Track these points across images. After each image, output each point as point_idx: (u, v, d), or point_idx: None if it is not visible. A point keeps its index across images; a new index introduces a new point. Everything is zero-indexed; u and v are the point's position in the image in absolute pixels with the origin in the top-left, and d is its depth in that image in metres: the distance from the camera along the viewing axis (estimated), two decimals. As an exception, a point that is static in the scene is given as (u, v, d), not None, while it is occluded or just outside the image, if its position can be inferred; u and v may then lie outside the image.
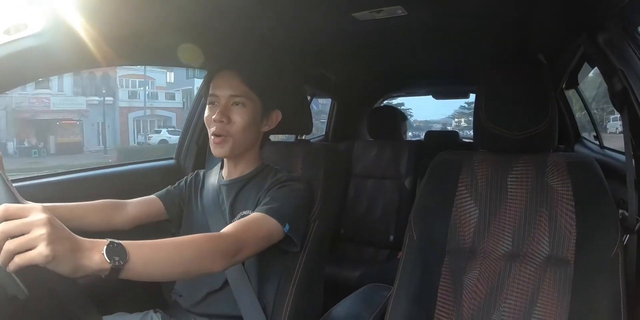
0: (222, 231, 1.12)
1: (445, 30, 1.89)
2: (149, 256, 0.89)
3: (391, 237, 2.78)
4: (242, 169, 1.40)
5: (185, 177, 1.53)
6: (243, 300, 1.30)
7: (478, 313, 1.24)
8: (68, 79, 19.63)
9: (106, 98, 20.81)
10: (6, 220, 0.71)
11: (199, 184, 1.48)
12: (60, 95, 19.84)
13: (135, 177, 1.91)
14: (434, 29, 1.85)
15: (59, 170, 1.88)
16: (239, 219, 1.33)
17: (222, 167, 1.46)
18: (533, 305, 1.19)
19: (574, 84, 2.66)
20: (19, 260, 0.70)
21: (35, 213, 0.72)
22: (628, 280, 1.13)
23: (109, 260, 0.78)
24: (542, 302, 1.19)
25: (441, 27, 1.83)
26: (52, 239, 0.71)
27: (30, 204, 0.74)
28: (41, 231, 0.70)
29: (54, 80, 19.21)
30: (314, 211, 1.41)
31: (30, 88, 18.33)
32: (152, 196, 1.46)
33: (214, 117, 1.29)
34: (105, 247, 0.79)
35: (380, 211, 2.87)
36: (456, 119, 30.84)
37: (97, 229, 1.33)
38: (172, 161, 2.14)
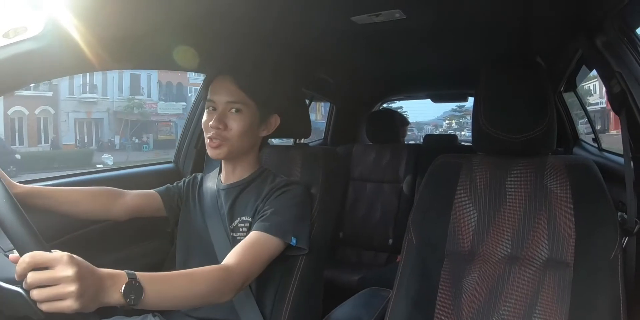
0: (229, 262, 1.12)
1: (443, 34, 1.90)
2: (162, 291, 0.93)
3: (390, 241, 2.77)
4: (241, 173, 1.40)
5: (183, 179, 1.52)
6: (242, 304, 1.29)
7: (478, 316, 1.24)
8: (155, 87, 23.59)
9: (181, 103, 23.91)
10: (34, 268, 0.75)
11: (196, 187, 1.48)
12: (162, 101, 24.11)
13: (134, 180, 1.91)
14: (432, 32, 1.85)
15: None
16: (237, 224, 1.34)
17: (220, 171, 1.45)
18: (533, 308, 1.19)
19: (572, 86, 2.67)
20: (47, 307, 0.74)
21: (63, 267, 0.75)
22: (627, 283, 1.12)
23: (125, 299, 0.83)
24: (541, 305, 1.18)
25: (439, 31, 1.84)
26: (81, 293, 0.75)
27: (58, 254, 0.76)
28: (71, 288, 0.74)
29: (145, 88, 23.06)
30: (313, 214, 1.40)
31: (126, 94, 22.40)
32: (152, 191, 1.45)
33: (210, 123, 1.29)
34: (123, 286, 0.83)
35: (379, 215, 2.86)
36: (447, 121, 32.23)
37: (93, 217, 1.35)
38: (170, 165, 2.14)
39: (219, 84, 1.32)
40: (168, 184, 1.49)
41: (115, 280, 0.83)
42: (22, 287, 0.79)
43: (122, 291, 0.82)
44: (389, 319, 1.26)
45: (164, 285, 0.94)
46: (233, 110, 1.30)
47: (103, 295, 0.80)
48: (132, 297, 0.84)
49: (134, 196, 1.41)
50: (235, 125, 1.29)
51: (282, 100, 1.43)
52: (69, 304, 0.74)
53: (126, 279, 0.84)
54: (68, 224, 1.42)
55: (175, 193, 1.47)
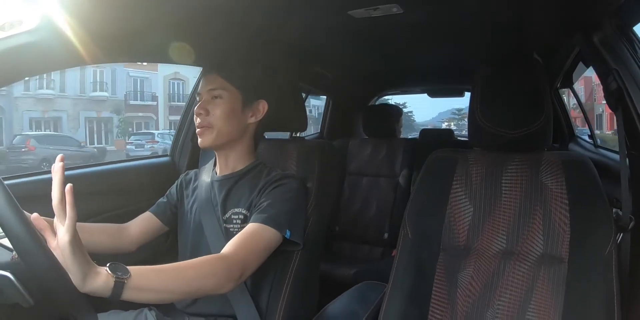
0: (225, 252, 1.12)
1: (441, 29, 1.89)
2: (151, 276, 0.94)
3: (386, 235, 2.78)
4: (234, 165, 1.40)
5: (175, 182, 1.54)
6: (237, 299, 1.30)
7: (472, 310, 1.24)
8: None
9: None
10: None
11: (190, 183, 1.49)
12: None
13: (131, 174, 1.91)
14: (429, 27, 1.85)
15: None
16: (230, 216, 1.34)
17: (215, 164, 1.46)
18: (527, 303, 1.20)
19: (568, 83, 2.67)
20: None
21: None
22: (621, 279, 1.13)
23: (112, 274, 0.85)
24: (536, 300, 1.19)
25: (436, 26, 1.83)
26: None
27: None
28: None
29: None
30: (309, 208, 1.41)
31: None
32: (147, 213, 1.47)
33: (194, 110, 1.33)
34: (107, 264, 0.86)
35: (374, 209, 2.87)
36: (446, 123, 34.32)
37: (104, 248, 1.34)
38: (166, 158, 2.14)
39: (205, 77, 1.38)
40: (160, 199, 1.51)
41: (99, 266, 0.86)
42: (11, 272, 0.79)
43: (107, 268, 0.85)
44: (384, 313, 1.26)
45: (151, 270, 0.94)
46: (215, 97, 1.34)
47: (89, 270, 0.83)
48: (119, 273, 0.86)
49: (135, 226, 1.43)
50: (217, 110, 1.33)
51: (269, 86, 1.44)
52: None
53: (108, 264, 0.87)
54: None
55: (168, 203, 1.49)
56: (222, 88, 1.33)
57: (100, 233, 1.34)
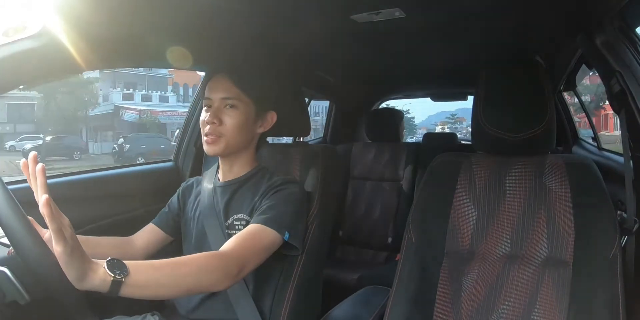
0: (223, 249, 1.13)
1: (443, 33, 1.89)
2: (149, 272, 0.93)
3: (389, 239, 2.77)
4: (238, 171, 1.40)
5: (177, 191, 1.54)
6: (240, 304, 1.29)
7: (477, 315, 1.24)
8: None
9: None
10: None
11: (191, 190, 1.49)
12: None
13: (134, 179, 1.91)
14: (431, 31, 1.85)
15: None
16: (233, 221, 1.34)
17: (217, 169, 1.45)
18: (532, 307, 1.19)
19: (571, 86, 2.67)
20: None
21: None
22: (627, 282, 1.13)
23: (110, 273, 0.84)
24: (540, 303, 1.18)
25: (439, 29, 1.83)
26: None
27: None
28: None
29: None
30: (312, 213, 1.41)
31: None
32: (150, 224, 1.47)
33: (206, 119, 1.31)
34: (105, 262, 0.85)
35: (378, 213, 2.86)
36: (440, 126, 37.19)
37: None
38: (170, 163, 2.14)
39: (215, 82, 1.35)
40: (162, 209, 1.51)
41: (96, 261, 0.85)
42: (8, 267, 0.79)
43: (105, 266, 0.84)
44: (388, 318, 1.26)
45: (149, 266, 0.95)
46: (228, 106, 1.32)
47: (88, 267, 0.82)
48: (117, 272, 0.85)
49: (140, 238, 1.43)
50: (230, 120, 1.31)
51: (278, 97, 1.44)
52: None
53: (107, 258, 0.86)
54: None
55: (170, 213, 1.49)
56: (237, 98, 1.32)
57: (107, 246, 1.33)
